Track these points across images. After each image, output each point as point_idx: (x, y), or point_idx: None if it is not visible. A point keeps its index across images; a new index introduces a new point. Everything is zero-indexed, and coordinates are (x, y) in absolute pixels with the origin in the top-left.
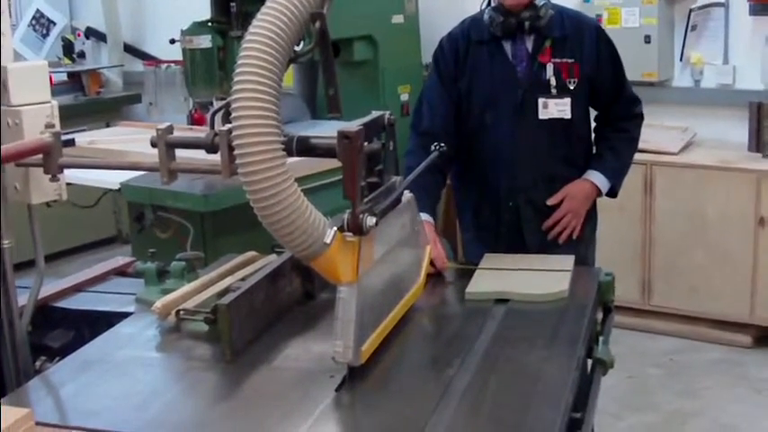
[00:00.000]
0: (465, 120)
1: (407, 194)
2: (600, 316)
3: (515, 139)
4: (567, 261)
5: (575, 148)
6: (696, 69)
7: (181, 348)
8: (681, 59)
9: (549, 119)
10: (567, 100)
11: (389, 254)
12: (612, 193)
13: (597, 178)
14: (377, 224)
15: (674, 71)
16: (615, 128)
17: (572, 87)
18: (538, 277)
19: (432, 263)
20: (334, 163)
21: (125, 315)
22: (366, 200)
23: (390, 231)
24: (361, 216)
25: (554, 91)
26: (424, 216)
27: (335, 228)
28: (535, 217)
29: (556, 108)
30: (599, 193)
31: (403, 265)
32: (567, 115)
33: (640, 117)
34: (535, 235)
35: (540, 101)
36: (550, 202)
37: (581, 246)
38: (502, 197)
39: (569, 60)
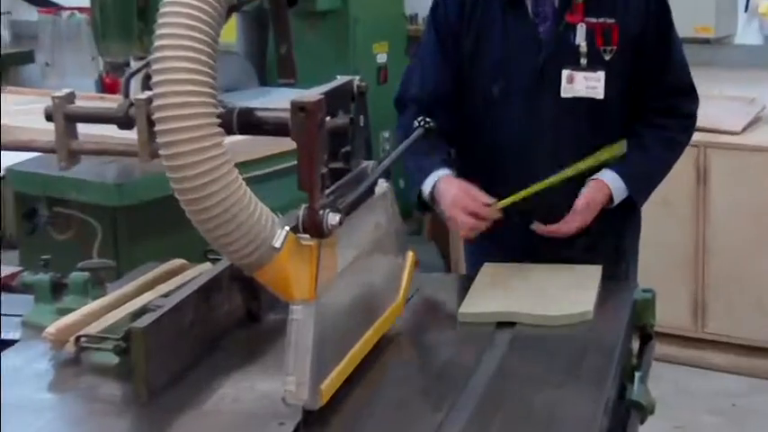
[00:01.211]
0: (468, 92)
1: (383, 184)
2: (636, 345)
3: (530, 121)
4: (592, 273)
5: (607, 139)
6: (766, 22)
7: (81, 387)
8: (746, 10)
9: (575, 98)
10: (601, 74)
11: (359, 262)
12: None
13: (611, 180)
14: (341, 223)
15: (738, 25)
16: (651, 123)
17: (608, 58)
18: (553, 294)
19: (477, 215)
20: (286, 143)
21: (7, 343)
22: (328, 191)
23: (360, 232)
24: (320, 212)
25: (583, 61)
26: (439, 172)
27: (287, 228)
28: (553, 224)
29: (585, 84)
30: (610, 201)
31: (377, 277)
32: (599, 94)
33: (690, 118)
34: (552, 247)
35: (565, 73)
36: (567, 224)
37: (618, 260)
38: (510, 196)
39: (607, 21)
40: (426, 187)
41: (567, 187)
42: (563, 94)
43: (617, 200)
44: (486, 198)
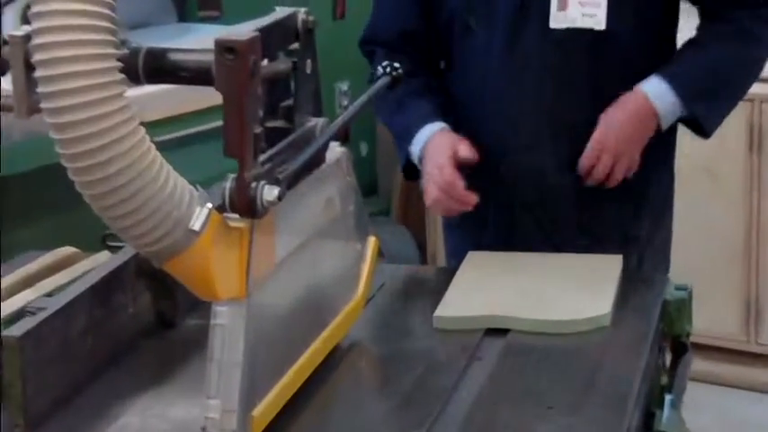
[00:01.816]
0: (441, 27)
1: (337, 149)
2: (668, 359)
3: (512, 60)
4: (610, 264)
5: (613, 91)
6: None
7: None
8: None
9: (568, 29)
10: None
11: (305, 250)
12: (693, 122)
13: (652, 87)
14: (281, 199)
15: None
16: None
17: None
18: (559, 292)
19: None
20: (209, 96)
21: None
22: (264, 158)
23: (306, 212)
24: (254, 185)
25: None
26: (433, 126)
27: (209, 206)
28: (544, 197)
29: (580, 10)
30: (654, 118)
31: (329, 270)
32: (600, 24)
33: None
34: (543, 229)
35: None
36: (584, 167)
37: (635, 242)
38: (491, 160)
39: None
40: (416, 147)
41: (569, 154)
42: (552, 25)
43: (663, 112)
44: (470, 195)
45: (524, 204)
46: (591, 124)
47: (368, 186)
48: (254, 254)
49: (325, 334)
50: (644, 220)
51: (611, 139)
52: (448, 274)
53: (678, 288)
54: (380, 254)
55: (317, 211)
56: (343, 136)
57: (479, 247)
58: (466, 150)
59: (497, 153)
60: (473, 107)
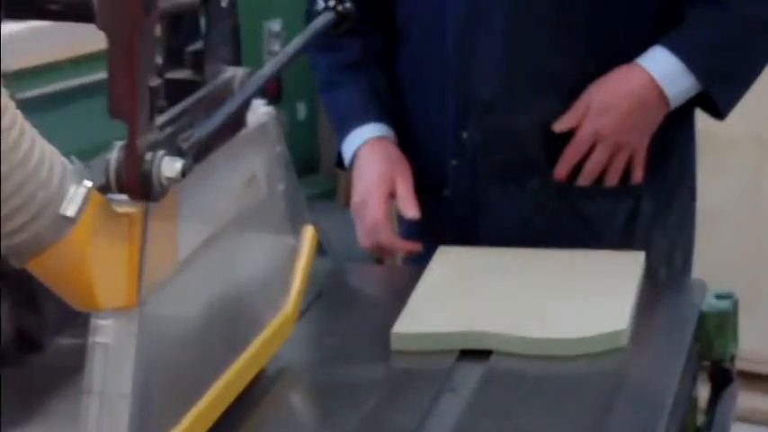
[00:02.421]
0: None
1: (263, 109)
2: (705, 392)
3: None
4: (628, 264)
5: (611, 23)
6: None
7: None
8: None
9: None
10: None
11: (218, 244)
12: (705, 100)
13: (661, 66)
14: (186, 175)
15: None
16: None
17: None
18: (558, 300)
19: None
20: (90, 39)
21: None
22: (163, 120)
23: (221, 193)
24: (148, 157)
25: None
26: (368, 131)
27: (87, 185)
28: (520, 171)
29: None
30: (661, 98)
31: (251, 271)
32: None
33: None
34: (519, 211)
35: None
36: (560, 126)
37: (636, 223)
38: (449, 121)
39: None
40: (347, 150)
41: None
42: None
43: (670, 90)
44: (412, 211)
45: (494, 180)
46: (583, 78)
47: (306, 160)
48: (148, 249)
49: (245, 356)
50: (649, 196)
51: (608, 127)
52: (410, 276)
53: (719, 296)
54: (321, 249)
55: (236, 192)
56: (273, 92)
57: (438, 238)
58: (404, 192)
59: (459, 114)
60: (428, 52)
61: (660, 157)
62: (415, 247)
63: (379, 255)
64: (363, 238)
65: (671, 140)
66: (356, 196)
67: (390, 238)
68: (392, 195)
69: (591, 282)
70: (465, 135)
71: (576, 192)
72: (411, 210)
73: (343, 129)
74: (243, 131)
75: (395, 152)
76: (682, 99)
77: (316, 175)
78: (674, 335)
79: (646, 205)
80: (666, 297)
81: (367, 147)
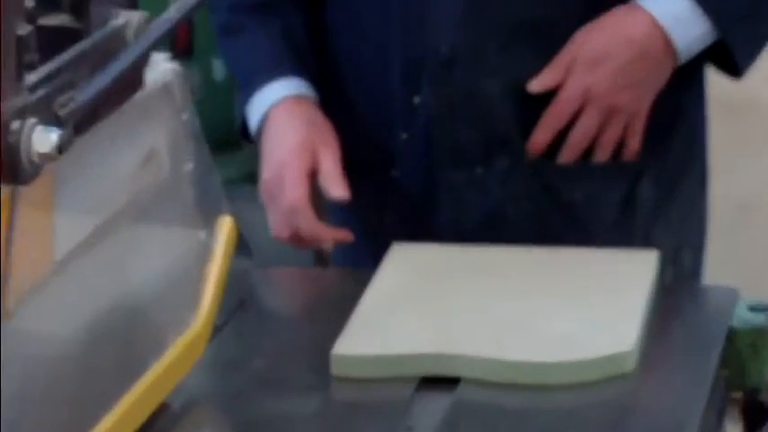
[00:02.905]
0: None
1: (166, 66)
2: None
3: None
4: (637, 264)
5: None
6: None
7: None
8: None
9: None
10: None
11: (107, 241)
12: (721, 53)
13: (668, 7)
14: (63, 150)
15: None
16: None
17: None
18: (545, 312)
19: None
20: None
21: None
22: (36, 79)
23: (111, 174)
24: (15, 126)
25: None
26: (284, 88)
27: None
28: (487, 141)
29: None
30: (667, 48)
31: (150, 276)
32: None
33: None
34: (484, 193)
35: None
36: (537, 85)
37: (630, 210)
38: (395, 83)
39: None
40: (254, 115)
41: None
42: None
43: (683, 42)
44: (339, 190)
45: (455, 159)
46: (569, 25)
47: (224, 133)
48: (16, 246)
49: (141, 385)
50: (650, 177)
51: (601, 82)
52: (356, 281)
53: (754, 308)
54: (243, 247)
55: (129, 173)
56: (181, 45)
57: (385, 233)
58: (330, 167)
59: (408, 73)
60: (367, 25)
61: (664, 127)
62: (346, 236)
63: (298, 246)
64: (278, 226)
65: (677, 105)
66: (267, 171)
67: (313, 223)
68: (314, 172)
69: (586, 289)
70: (417, 101)
71: (558, 172)
72: (338, 188)
73: (248, 86)
74: (139, 94)
75: (316, 115)
76: (693, 50)
77: (236, 152)
78: (695, 358)
79: (645, 189)
80: (686, 309)
81: (280, 108)
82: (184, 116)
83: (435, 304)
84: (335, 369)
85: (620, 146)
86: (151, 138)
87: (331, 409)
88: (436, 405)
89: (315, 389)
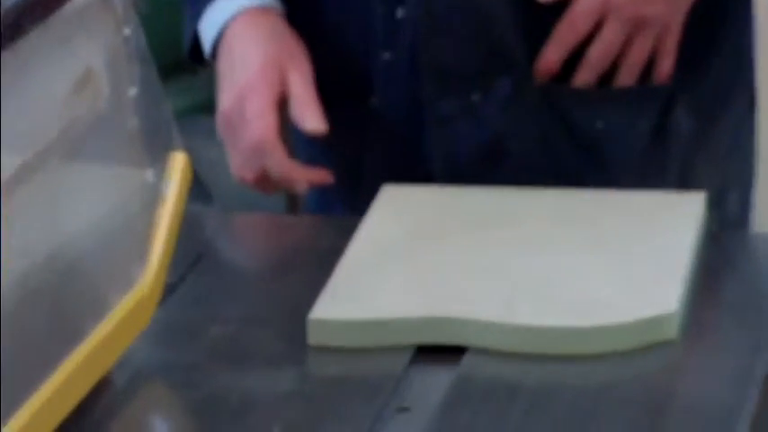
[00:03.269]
0: None
1: None
2: None
3: None
4: (679, 208)
5: None
6: None
7: None
8: None
9: None
10: None
11: (32, 183)
12: None
13: None
14: None
15: None
16: None
17: None
18: (569, 268)
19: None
20: None
21: None
22: None
23: (35, 101)
24: None
25: None
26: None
27: None
28: (479, 63)
29: None
30: None
31: (85, 224)
32: None
33: None
34: (479, 126)
35: None
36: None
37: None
38: None
39: None
40: (207, 32)
41: None
42: None
43: None
44: (314, 120)
45: (447, 83)
46: None
47: (176, 55)
48: None
49: (78, 355)
50: (686, 103)
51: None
52: (339, 230)
53: None
54: (201, 190)
55: (60, 100)
56: None
57: (363, 171)
58: (300, 90)
59: None
60: None
61: (702, 43)
62: (323, 176)
63: (265, 190)
64: (240, 166)
65: (719, 16)
66: (226, 99)
67: (283, 162)
68: (282, 99)
69: (616, 240)
70: (400, 13)
71: (572, 98)
72: (312, 117)
73: None
74: (72, 3)
75: (283, 29)
76: None
77: (191, 77)
78: (750, 320)
79: (680, 118)
80: (738, 262)
81: (240, 21)
82: (127, 31)
83: (434, 259)
84: (313, 337)
85: (650, 66)
86: (87, 57)
87: (307, 386)
88: (436, 380)
89: (288, 361)
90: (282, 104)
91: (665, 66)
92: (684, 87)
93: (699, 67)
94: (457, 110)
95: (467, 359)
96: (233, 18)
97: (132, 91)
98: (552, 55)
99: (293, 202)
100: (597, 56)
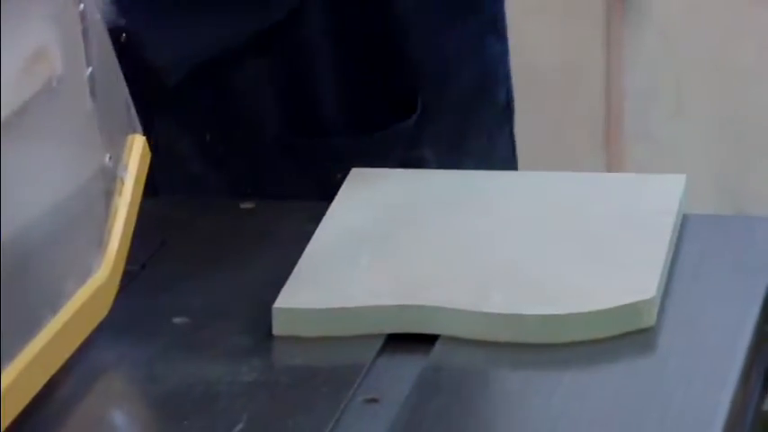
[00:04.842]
0: None
1: None
2: None
3: None
4: (657, 188)
5: None
6: None
7: None
8: None
9: None
10: None
11: None
12: None
13: None
14: None
15: None
16: None
17: None
18: (542, 253)
19: None
20: None
21: None
22: None
23: None
24: None
25: None
26: None
27: None
28: None
29: None
30: None
31: (41, 211)
32: None
33: None
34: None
35: None
36: None
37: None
38: None
39: None
40: None
41: None
42: None
43: None
44: None
45: None
46: None
47: None
48: None
49: (33, 348)
50: None
51: None
52: (306, 215)
53: None
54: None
55: (10, 77)
56: None
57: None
58: None
59: None
60: None
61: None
62: None
63: None
64: None
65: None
66: None
67: None
68: None
69: (593, 223)
70: None
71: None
72: None
73: None
74: None
75: None
76: None
77: None
78: (730, 309)
79: (425, 152)
80: (721, 245)
81: None
82: (82, 6)
83: (404, 245)
84: (278, 327)
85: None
86: (38, 33)
87: (272, 377)
88: (406, 370)
89: (252, 351)
90: None
91: None
92: (425, 123)
93: (438, 100)
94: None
95: (438, 348)
96: None
97: (88, 68)
98: None
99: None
100: None
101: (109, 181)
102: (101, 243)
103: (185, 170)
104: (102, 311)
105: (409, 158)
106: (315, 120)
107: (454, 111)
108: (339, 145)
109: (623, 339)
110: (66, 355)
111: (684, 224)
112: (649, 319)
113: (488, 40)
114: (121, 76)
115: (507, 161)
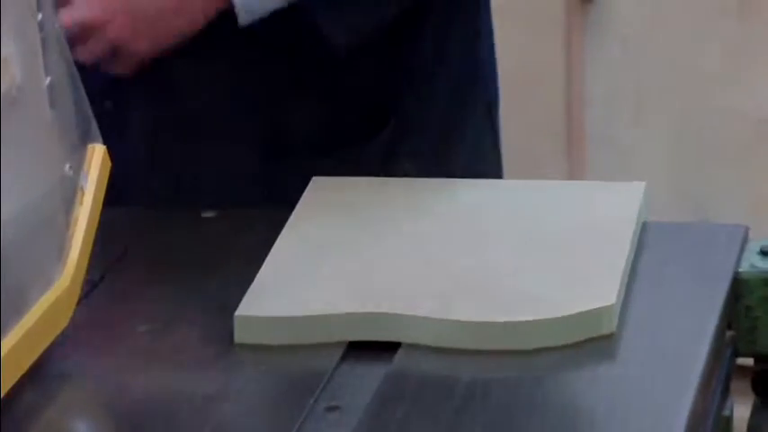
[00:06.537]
0: None
1: None
2: (745, 411)
3: None
4: (617, 196)
5: None
6: None
7: None
8: None
9: None
10: None
11: None
12: None
13: None
14: None
15: None
16: None
17: None
18: (504, 261)
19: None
20: None
21: None
22: None
23: None
24: None
25: None
26: None
27: None
28: None
29: None
30: None
31: (3, 218)
32: None
33: None
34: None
35: None
36: None
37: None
38: None
39: None
40: None
41: None
42: None
43: None
44: None
45: None
46: None
47: None
48: None
49: None
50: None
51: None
52: (268, 224)
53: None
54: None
55: None
56: None
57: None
58: None
59: None
60: None
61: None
62: None
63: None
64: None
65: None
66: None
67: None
68: None
69: (554, 230)
70: None
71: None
72: None
73: None
74: None
75: None
76: None
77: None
78: (690, 315)
79: (403, 162)
80: (683, 252)
81: None
82: (40, 15)
83: (365, 252)
84: (240, 335)
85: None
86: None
87: (234, 385)
88: (368, 378)
89: (215, 360)
90: None
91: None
92: (402, 135)
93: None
94: None
95: (400, 355)
96: None
97: (47, 80)
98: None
99: None
100: None
101: (69, 190)
102: (61, 252)
103: (148, 185)
104: (63, 320)
105: (387, 173)
106: (285, 142)
107: (431, 121)
108: (310, 167)
109: (584, 346)
110: (28, 363)
111: (645, 231)
112: (610, 326)
113: (468, 46)
114: (81, 86)
115: (492, 168)
